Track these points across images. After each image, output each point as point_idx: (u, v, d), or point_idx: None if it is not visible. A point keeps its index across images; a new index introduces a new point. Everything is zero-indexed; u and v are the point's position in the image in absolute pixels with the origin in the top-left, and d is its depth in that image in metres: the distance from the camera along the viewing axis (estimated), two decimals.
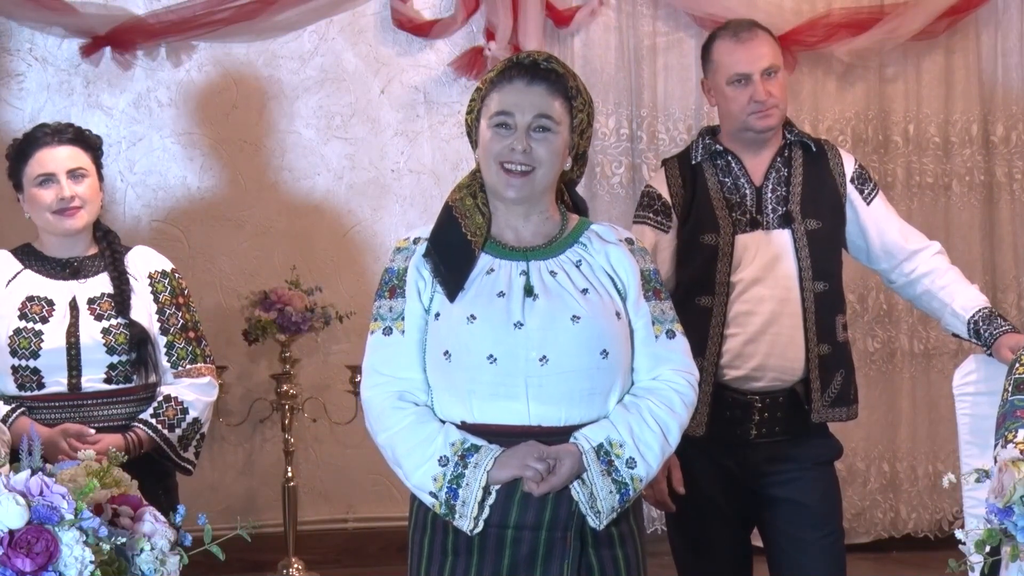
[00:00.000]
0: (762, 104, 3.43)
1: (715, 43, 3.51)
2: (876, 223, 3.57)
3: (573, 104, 2.70)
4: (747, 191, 3.49)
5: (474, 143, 2.76)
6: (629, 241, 2.78)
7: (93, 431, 3.34)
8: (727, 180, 3.51)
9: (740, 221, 3.46)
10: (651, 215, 3.53)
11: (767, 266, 3.45)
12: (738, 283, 3.45)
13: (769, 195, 3.49)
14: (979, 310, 3.46)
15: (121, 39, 4.89)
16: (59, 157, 3.42)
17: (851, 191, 3.56)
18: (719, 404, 3.43)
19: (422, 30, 5.12)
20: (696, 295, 3.45)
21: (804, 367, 3.45)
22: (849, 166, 3.59)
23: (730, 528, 3.52)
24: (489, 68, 2.63)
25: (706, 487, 3.45)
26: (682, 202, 3.50)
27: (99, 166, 3.51)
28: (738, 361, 3.43)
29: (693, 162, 3.53)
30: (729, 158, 3.51)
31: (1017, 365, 2.80)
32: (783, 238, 3.47)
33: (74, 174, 3.42)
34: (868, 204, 3.56)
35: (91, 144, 3.50)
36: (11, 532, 2.12)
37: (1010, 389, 2.77)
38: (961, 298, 3.50)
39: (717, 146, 3.52)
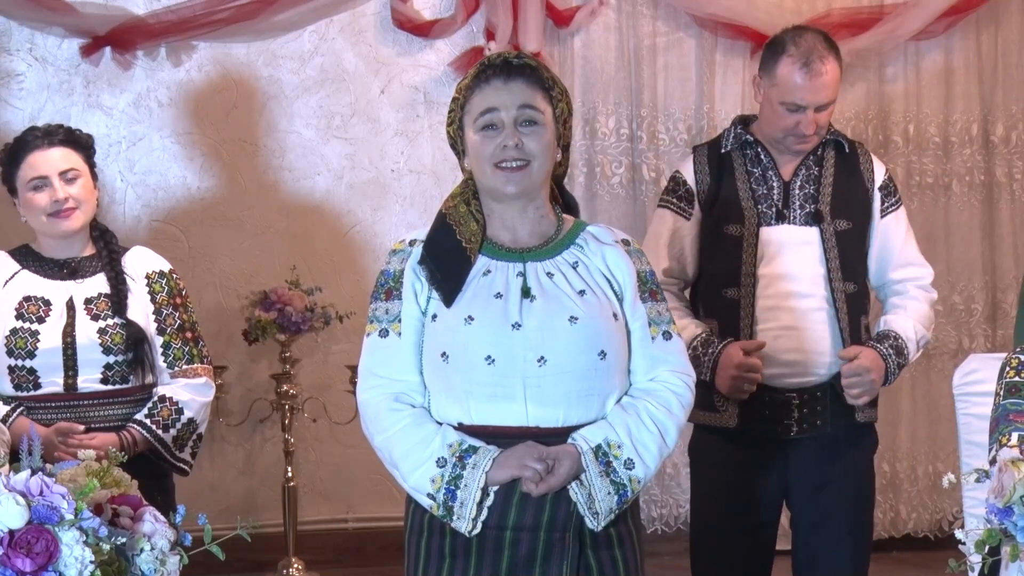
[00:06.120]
0: (805, 137, 3.42)
1: (783, 58, 3.40)
2: (882, 236, 3.56)
3: (552, 94, 2.70)
4: (775, 184, 3.47)
5: (459, 153, 2.75)
6: (626, 242, 2.77)
7: (82, 428, 3.33)
8: (755, 171, 3.48)
9: (766, 214, 3.45)
10: (674, 200, 3.53)
11: (793, 262, 3.43)
12: (763, 277, 3.42)
13: (797, 191, 3.46)
14: (886, 328, 3.48)
15: (121, 39, 4.88)
16: (51, 159, 3.41)
17: (875, 197, 3.55)
18: (757, 403, 3.41)
19: (422, 30, 5.12)
20: (723, 287, 3.45)
21: (835, 366, 3.42)
22: (880, 174, 3.58)
23: (755, 526, 3.51)
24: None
25: (743, 484, 3.45)
26: (707, 190, 3.49)
27: (92, 165, 3.50)
28: (770, 356, 3.39)
29: (723, 150, 3.51)
30: (759, 149, 3.50)
31: (1008, 369, 2.79)
32: (810, 235, 3.44)
33: (67, 175, 3.41)
34: (882, 217, 3.55)
35: (82, 144, 3.49)
36: (11, 532, 2.12)
37: (1002, 393, 2.75)
38: (890, 316, 3.52)
39: (748, 136, 3.50)
